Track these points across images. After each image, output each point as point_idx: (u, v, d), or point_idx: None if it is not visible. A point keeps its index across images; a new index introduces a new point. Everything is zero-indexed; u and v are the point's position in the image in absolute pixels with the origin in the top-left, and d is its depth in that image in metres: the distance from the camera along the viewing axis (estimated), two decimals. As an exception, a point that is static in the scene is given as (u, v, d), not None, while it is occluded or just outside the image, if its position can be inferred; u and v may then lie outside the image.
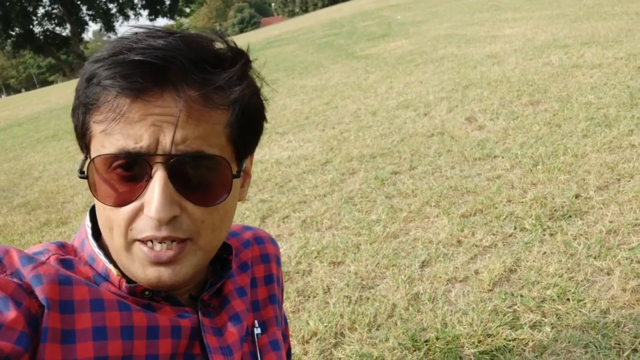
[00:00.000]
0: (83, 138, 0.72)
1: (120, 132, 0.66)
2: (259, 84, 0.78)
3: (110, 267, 0.75)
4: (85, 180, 0.70)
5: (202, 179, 0.70)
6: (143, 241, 0.69)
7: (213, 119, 0.69)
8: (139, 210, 0.68)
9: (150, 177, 0.67)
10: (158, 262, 0.69)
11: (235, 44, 0.75)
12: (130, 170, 0.67)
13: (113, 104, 0.66)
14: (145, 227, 0.68)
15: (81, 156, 0.74)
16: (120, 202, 0.68)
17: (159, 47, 0.66)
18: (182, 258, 0.70)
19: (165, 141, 0.66)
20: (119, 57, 0.66)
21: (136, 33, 0.69)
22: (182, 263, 0.70)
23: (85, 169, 0.70)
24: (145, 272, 0.70)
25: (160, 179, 0.66)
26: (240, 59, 0.73)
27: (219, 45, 0.73)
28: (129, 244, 0.70)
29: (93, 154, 0.69)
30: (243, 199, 0.83)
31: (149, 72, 0.65)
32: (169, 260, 0.69)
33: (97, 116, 0.68)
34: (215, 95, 0.69)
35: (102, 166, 0.68)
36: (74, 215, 4.75)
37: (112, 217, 0.69)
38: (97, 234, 0.79)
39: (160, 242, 0.68)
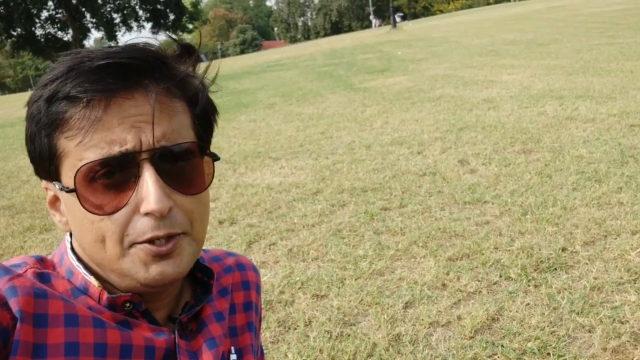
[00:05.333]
0: (51, 162, 0.71)
1: (101, 139, 0.66)
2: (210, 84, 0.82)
3: (91, 279, 0.74)
4: (52, 212, 0.70)
5: (186, 169, 0.72)
6: (143, 242, 0.69)
7: (180, 110, 0.72)
8: (133, 213, 0.68)
9: (139, 176, 0.68)
10: (160, 256, 0.70)
11: (182, 40, 0.79)
12: (117, 175, 0.68)
13: (86, 113, 0.67)
14: (144, 228, 0.68)
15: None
16: (112, 209, 0.68)
17: (117, 51, 0.68)
18: (180, 249, 0.71)
19: (148, 139, 0.67)
20: (81, 67, 0.67)
21: (79, 52, 0.71)
22: (182, 254, 0.72)
23: (68, 185, 0.69)
24: (148, 270, 0.70)
25: (151, 174, 0.67)
26: (193, 52, 0.77)
27: (168, 44, 0.77)
28: (126, 249, 0.69)
29: (71, 171, 0.68)
30: None
31: (115, 73, 0.67)
32: (169, 251, 0.70)
33: (67, 132, 0.68)
34: (177, 89, 0.73)
35: (86, 177, 0.67)
36: (58, 223, 4.71)
37: (104, 228, 0.69)
38: (74, 248, 0.79)
39: (159, 239, 0.69)
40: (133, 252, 0.69)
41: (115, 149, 0.66)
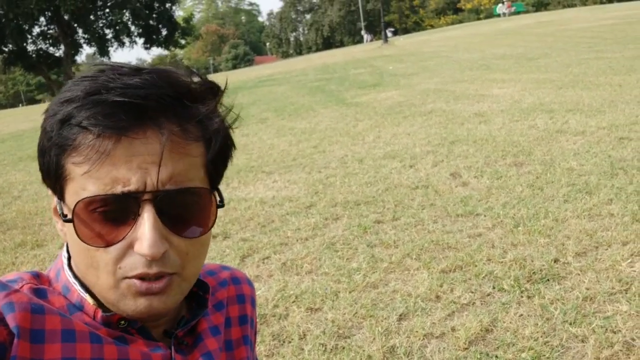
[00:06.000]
0: (57, 180, 0.71)
1: (106, 174, 0.66)
2: (236, 118, 0.80)
3: (86, 296, 0.74)
4: (55, 219, 0.69)
5: (188, 212, 0.71)
6: (132, 277, 0.69)
7: (192, 153, 0.71)
8: (128, 248, 0.68)
9: (138, 215, 0.67)
10: (149, 293, 0.70)
11: (206, 77, 0.76)
12: (117, 210, 0.68)
13: (95, 144, 0.66)
14: (136, 264, 0.68)
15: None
16: (108, 242, 0.68)
17: (137, 85, 0.67)
18: (170, 289, 0.71)
19: (153, 181, 0.67)
20: (98, 97, 0.66)
21: (103, 70, 0.70)
22: (170, 293, 0.71)
23: (67, 214, 0.70)
24: (136, 303, 0.70)
25: (150, 216, 0.67)
26: (212, 91, 0.75)
27: (192, 78, 0.74)
28: (118, 281, 0.70)
29: (73, 197, 0.69)
30: None
31: (130, 111, 0.66)
32: (159, 290, 0.70)
33: (75, 157, 0.68)
34: (193, 129, 0.71)
35: (86, 209, 0.68)
36: (50, 239, 4.68)
37: (98, 258, 0.69)
38: (72, 264, 0.79)
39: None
40: (123, 286, 0.69)
41: (118, 188, 0.66)
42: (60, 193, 0.71)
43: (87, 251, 0.70)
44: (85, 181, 0.67)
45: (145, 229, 0.66)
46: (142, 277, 0.69)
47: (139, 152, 0.66)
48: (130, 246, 0.68)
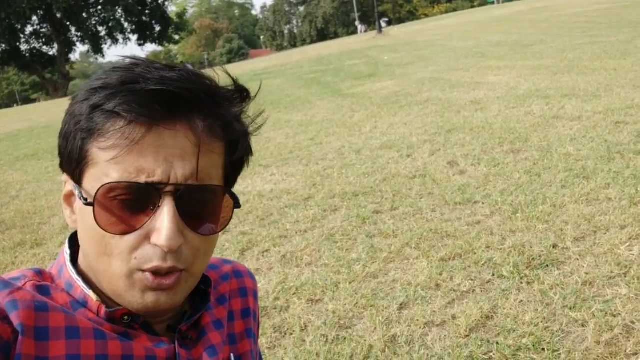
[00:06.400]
0: (78, 165, 0.71)
1: (132, 163, 0.67)
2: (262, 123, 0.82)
3: (89, 293, 0.74)
4: (60, 198, 0.70)
5: (204, 210, 0.73)
6: (147, 271, 0.70)
7: (215, 151, 0.72)
8: (144, 239, 0.69)
9: (158, 206, 0.68)
10: (159, 289, 0.70)
11: (238, 81, 0.77)
12: (138, 199, 0.68)
13: (125, 131, 0.67)
14: (152, 256, 0.69)
15: (59, 177, 0.74)
16: (125, 230, 0.69)
17: (173, 78, 0.68)
18: (178, 286, 0.72)
19: (177, 175, 0.68)
20: (134, 86, 0.67)
21: (137, 64, 0.70)
22: (178, 289, 0.72)
23: (88, 198, 0.70)
24: (143, 297, 0.71)
25: (170, 209, 0.68)
26: (245, 96, 0.76)
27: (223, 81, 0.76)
28: (131, 272, 0.70)
29: (94, 183, 0.69)
30: None
31: (164, 102, 0.67)
32: (169, 287, 0.71)
33: (102, 142, 0.68)
34: (220, 129, 0.72)
35: (107, 195, 0.68)
36: (49, 237, 4.68)
37: (113, 245, 0.70)
38: (74, 260, 0.79)
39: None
40: (136, 278, 0.70)
41: (142, 178, 0.67)
42: (79, 178, 0.72)
43: (102, 238, 0.70)
44: (110, 167, 0.68)
45: (165, 220, 0.67)
46: (155, 272, 0.69)
47: (167, 145, 0.68)
48: (146, 237, 0.69)
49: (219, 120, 0.72)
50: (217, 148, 0.73)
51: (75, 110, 0.71)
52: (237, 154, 0.76)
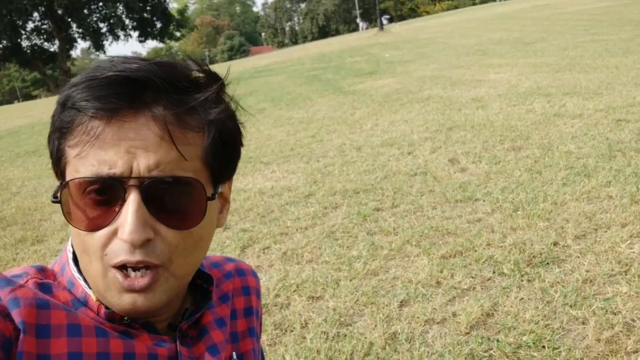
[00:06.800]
0: (58, 164, 0.71)
1: (94, 156, 0.66)
2: (235, 109, 0.79)
3: (90, 292, 0.74)
4: (59, 205, 0.70)
5: (177, 203, 0.69)
6: (118, 267, 0.68)
7: (187, 142, 0.69)
8: (113, 235, 0.68)
9: (124, 201, 0.67)
10: (132, 290, 0.68)
11: (209, 67, 0.75)
12: (104, 194, 0.67)
13: (87, 127, 0.66)
14: (119, 251, 0.67)
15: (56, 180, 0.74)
16: (94, 227, 0.68)
17: (133, 69, 0.67)
18: (155, 285, 0.69)
19: (140, 166, 0.66)
20: (95, 79, 0.66)
21: (112, 60, 0.70)
22: (156, 290, 0.70)
23: (58, 194, 0.70)
24: (120, 298, 0.69)
25: (134, 202, 0.66)
26: (215, 82, 0.74)
27: (193, 69, 0.73)
28: (105, 269, 0.69)
29: (67, 179, 0.69)
30: (221, 226, 0.83)
31: (123, 93, 0.66)
32: (142, 288, 0.68)
33: (70, 140, 0.68)
34: (189, 117, 0.69)
35: (75, 191, 0.68)
36: (50, 234, 4.68)
37: (88, 242, 0.69)
38: (77, 259, 0.79)
39: (134, 270, 0.68)
40: (110, 276, 0.69)
41: (104, 171, 0.65)
42: (62, 177, 0.71)
43: (78, 235, 0.70)
44: (78, 163, 0.67)
45: (128, 214, 0.66)
46: (124, 267, 0.67)
47: (129, 137, 0.66)
48: (115, 232, 0.67)
49: (183, 106, 0.68)
50: (189, 139, 0.69)
51: (54, 112, 0.71)
52: (208, 140, 0.71)
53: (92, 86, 0.66)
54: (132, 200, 0.66)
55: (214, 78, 0.74)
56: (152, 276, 0.68)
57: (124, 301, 0.69)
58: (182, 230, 0.70)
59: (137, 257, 0.67)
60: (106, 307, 0.73)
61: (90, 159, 0.66)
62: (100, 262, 0.68)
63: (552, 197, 3.59)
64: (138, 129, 0.66)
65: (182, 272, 0.73)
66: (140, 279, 0.68)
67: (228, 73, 0.78)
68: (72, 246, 0.79)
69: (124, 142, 0.66)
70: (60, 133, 0.69)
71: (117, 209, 0.67)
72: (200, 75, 0.73)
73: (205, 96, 0.71)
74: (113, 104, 0.65)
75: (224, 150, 0.74)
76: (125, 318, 0.74)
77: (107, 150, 0.65)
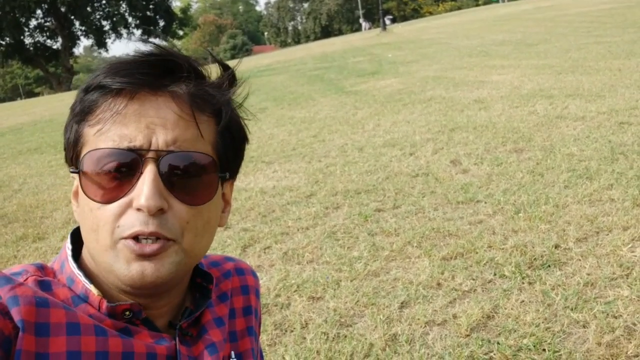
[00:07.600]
0: (74, 149, 0.74)
1: (115, 132, 0.69)
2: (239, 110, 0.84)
3: (91, 287, 0.75)
4: (63, 192, 0.71)
5: (190, 178, 0.73)
6: (129, 237, 0.70)
7: (202, 125, 0.74)
8: (127, 207, 0.70)
9: (141, 173, 0.70)
10: (142, 255, 0.70)
11: (222, 60, 0.82)
12: (121, 167, 0.70)
13: (110, 104, 0.70)
14: (133, 222, 0.69)
15: (62, 171, 0.76)
16: (110, 199, 0.70)
17: (157, 52, 0.72)
18: (165, 254, 0.71)
19: (158, 141, 0.70)
20: (119, 64, 0.71)
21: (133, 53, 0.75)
22: (165, 259, 0.71)
23: (78, 166, 0.73)
24: (129, 267, 0.71)
25: (151, 172, 0.69)
26: (227, 72, 0.80)
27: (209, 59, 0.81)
28: (115, 242, 0.70)
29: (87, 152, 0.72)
30: (223, 226, 0.85)
31: (147, 73, 0.70)
32: (153, 253, 0.70)
33: (91, 120, 0.71)
34: (205, 101, 0.75)
35: (92, 163, 0.70)
36: (51, 231, 4.69)
37: (99, 216, 0.71)
38: (77, 256, 0.79)
39: (146, 238, 0.70)
40: (119, 247, 0.70)
41: (124, 144, 0.69)
42: (75, 161, 0.74)
43: (90, 212, 0.72)
44: (97, 140, 0.71)
45: (145, 183, 0.69)
46: (137, 237, 0.69)
47: (149, 114, 0.70)
48: (129, 205, 0.70)
49: (201, 90, 0.74)
50: (205, 121, 0.75)
51: (73, 102, 0.75)
52: (222, 123, 0.77)
53: (118, 67, 0.71)
54: (149, 170, 0.70)
55: (228, 68, 0.80)
56: (162, 244, 0.71)
57: (132, 270, 0.71)
58: (194, 206, 0.74)
59: (150, 228, 0.69)
60: (108, 301, 0.74)
61: (111, 134, 0.70)
62: (110, 236, 0.70)
63: (553, 200, 3.59)
64: (158, 107, 0.71)
65: (192, 250, 0.76)
66: (151, 245, 0.70)
67: (239, 64, 0.83)
68: (72, 243, 0.79)
69: (144, 118, 0.70)
70: (81, 116, 0.73)
71: (133, 181, 0.70)
72: (217, 65, 0.80)
73: (222, 81, 0.78)
74: (137, 80, 0.70)
75: (232, 141, 0.80)
76: (127, 313, 0.75)
77: (128, 126, 0.70)
